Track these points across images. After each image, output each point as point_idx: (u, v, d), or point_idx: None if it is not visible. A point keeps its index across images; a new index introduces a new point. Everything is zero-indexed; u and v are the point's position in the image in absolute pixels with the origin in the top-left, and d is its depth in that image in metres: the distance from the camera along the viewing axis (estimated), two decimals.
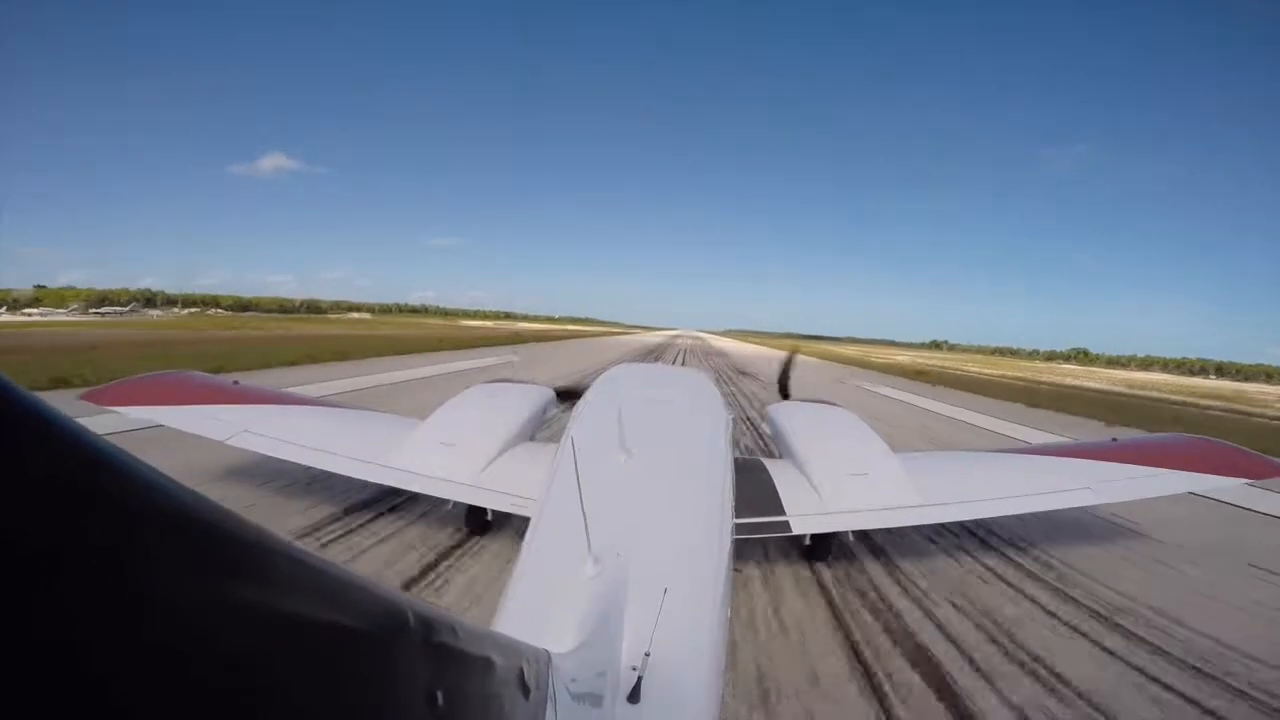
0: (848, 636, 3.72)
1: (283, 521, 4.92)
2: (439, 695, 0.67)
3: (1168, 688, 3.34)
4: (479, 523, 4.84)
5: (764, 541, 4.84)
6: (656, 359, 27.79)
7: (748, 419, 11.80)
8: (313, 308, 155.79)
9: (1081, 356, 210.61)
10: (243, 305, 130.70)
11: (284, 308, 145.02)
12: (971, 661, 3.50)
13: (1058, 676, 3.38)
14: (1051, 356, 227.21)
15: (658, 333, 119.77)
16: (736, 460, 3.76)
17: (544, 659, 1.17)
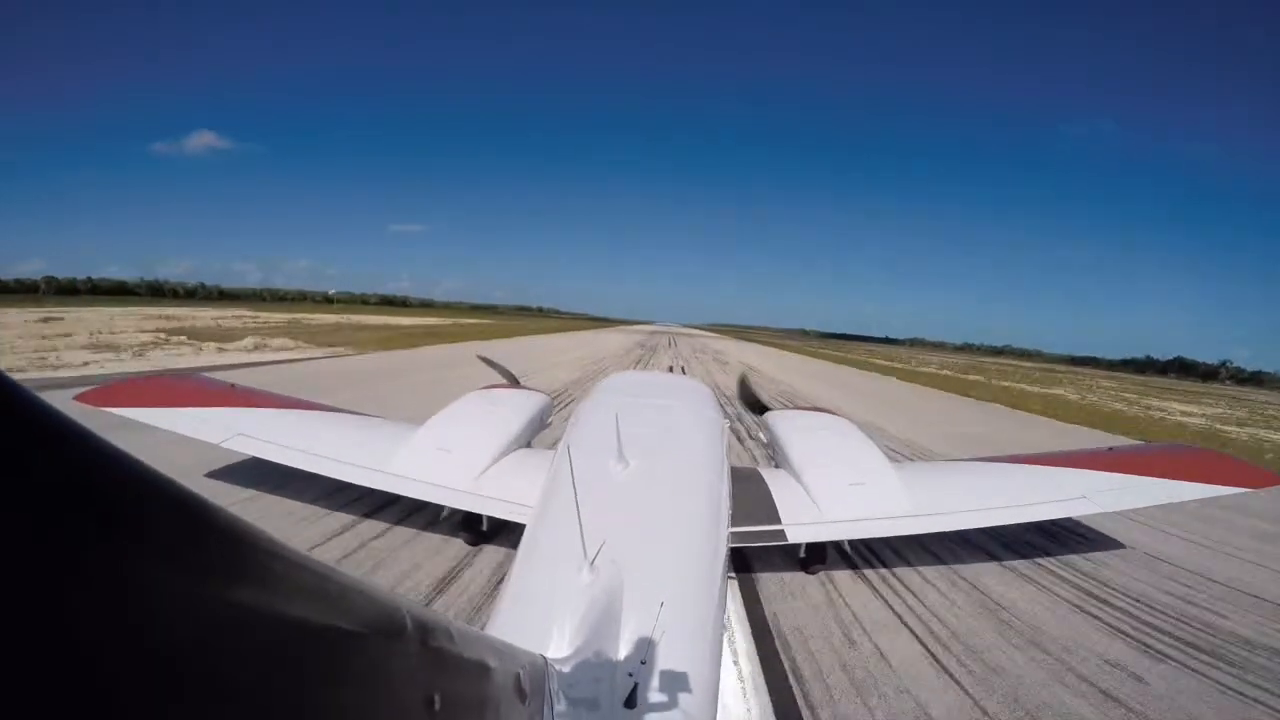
0: None
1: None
2: (436, 699, 0.67)
3: None
4: (474, 532, 4.77)
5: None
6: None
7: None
8: None
9: None
10: None
11: None
12: None
13: None
14: None
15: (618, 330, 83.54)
16: (733, 470, 3.75)
17: (541, 664, 1.17)
